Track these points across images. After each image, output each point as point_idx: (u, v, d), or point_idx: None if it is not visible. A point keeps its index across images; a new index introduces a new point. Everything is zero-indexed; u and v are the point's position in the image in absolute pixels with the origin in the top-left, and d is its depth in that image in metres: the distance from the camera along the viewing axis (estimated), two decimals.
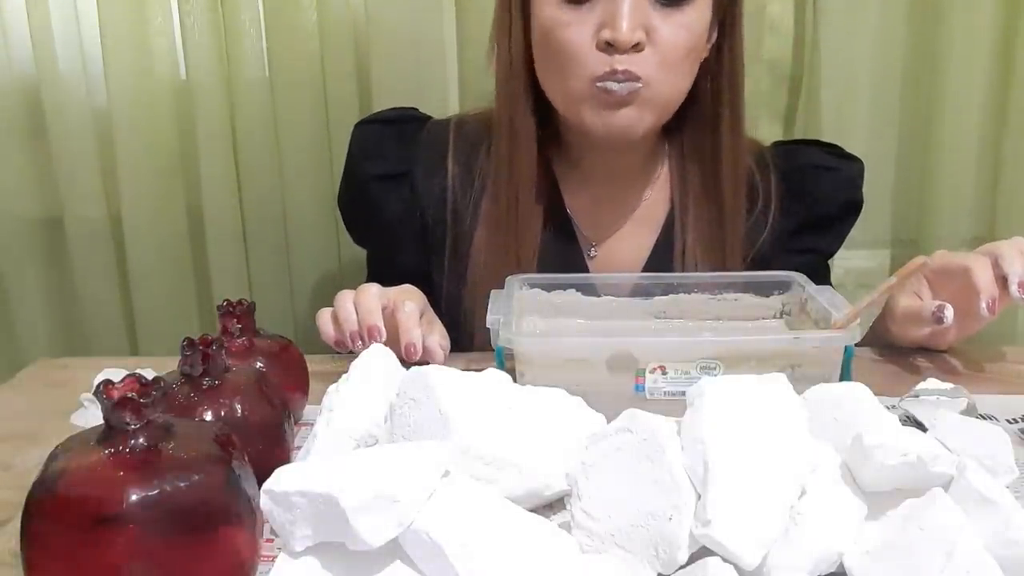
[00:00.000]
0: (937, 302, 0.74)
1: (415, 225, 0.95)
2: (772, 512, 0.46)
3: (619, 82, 0.81)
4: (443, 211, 0.94)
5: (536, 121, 0.89)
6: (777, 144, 1.02)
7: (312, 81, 1.20)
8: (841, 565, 0.46)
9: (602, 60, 0.80)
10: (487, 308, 0.72)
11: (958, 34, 1.15)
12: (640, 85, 0.81)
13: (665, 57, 0.81)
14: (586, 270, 0.94)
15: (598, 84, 0.81)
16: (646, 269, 0.94)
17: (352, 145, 0.99)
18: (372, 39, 1.19)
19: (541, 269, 0.89)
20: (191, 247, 1.27)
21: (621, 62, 0.80)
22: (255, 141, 1.22)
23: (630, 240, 0.95)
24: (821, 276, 0.99)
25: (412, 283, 0.83)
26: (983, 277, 0.72)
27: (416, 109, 1.03)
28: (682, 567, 0.46)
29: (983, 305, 0.71)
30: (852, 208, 0.98)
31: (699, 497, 0.46)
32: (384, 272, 0.98)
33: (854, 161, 0.99)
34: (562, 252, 0.93)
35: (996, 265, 0.73)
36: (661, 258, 0.94)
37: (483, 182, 0.93)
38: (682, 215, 0.93)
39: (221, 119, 1.20)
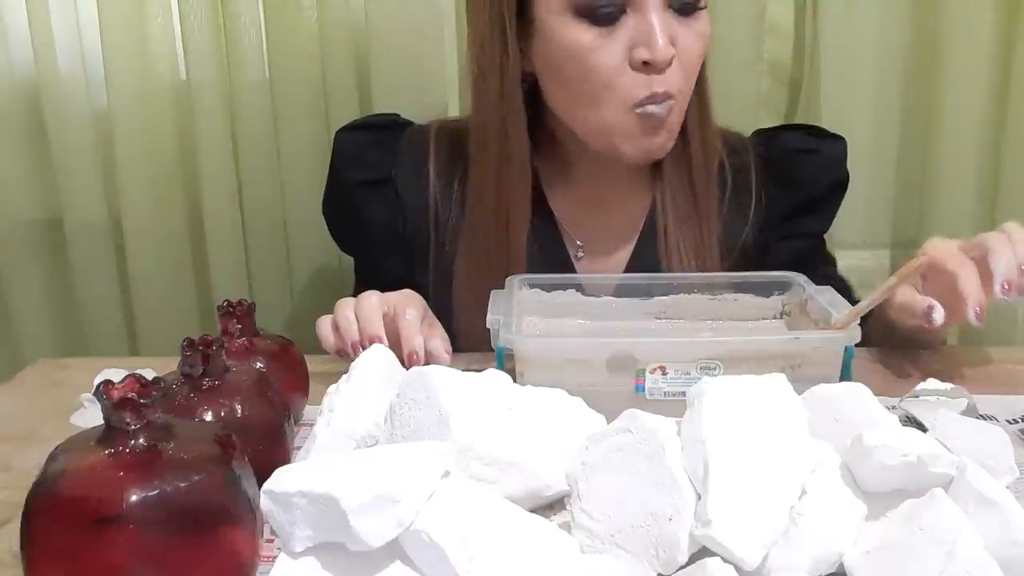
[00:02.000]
0: (928, 301, 0.73)
1: (398, 231, 0.95)
2: (772, 512, 0.46)
3: (658, 103, 0.81)
4: (425, 217, 0.94)
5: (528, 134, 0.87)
6: (757, 132, 1.01)
7: (312, 81, 1.20)
8: (841, 565, 0.46)
9: (640, 81, 0.80)
10: (473, 315, 0.72)
11: (958, 34, 1.15)
12: (674, 102, 0.81)
13: (687, 68, 0.82)
14: (574, 272, 0.94)
15: (638, 111, 0.81)
16: (631, 265, 0.94)
17: (334, 153, 0.99)
18: (372, 39, 1.19)
19: (529, 272, 0.88)
20: (191, 247, 1.27)
21: (660, 83, 0.80)
22: (255, 141, 1.22)
23: (617, 240, 0.95)
24: (819, 256, 0.99)
25: (395, 290, 0.81)
26: (969, 284, 0.70)
27: (398, 115, 1.02)
28: (682, 567, 0.46)
29: (971, 314, 0.69)
30: (838, 186, 0.98)
31: (699, 497, 0.46)
32: (371, 279, 0.98)
33: (836, 140, 0.98)
34: (549, 256, 0.93)
35: (984, 261, 0.71)
36: (645, 252, 0.93)
37: (463, 193, 0.92)
38: (662, 207, 0.92)
39: (221, 119, 1.20)
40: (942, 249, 0.75)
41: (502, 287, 0.77)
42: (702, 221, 0.91)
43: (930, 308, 0.72)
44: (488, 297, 0.74)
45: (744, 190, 0.94)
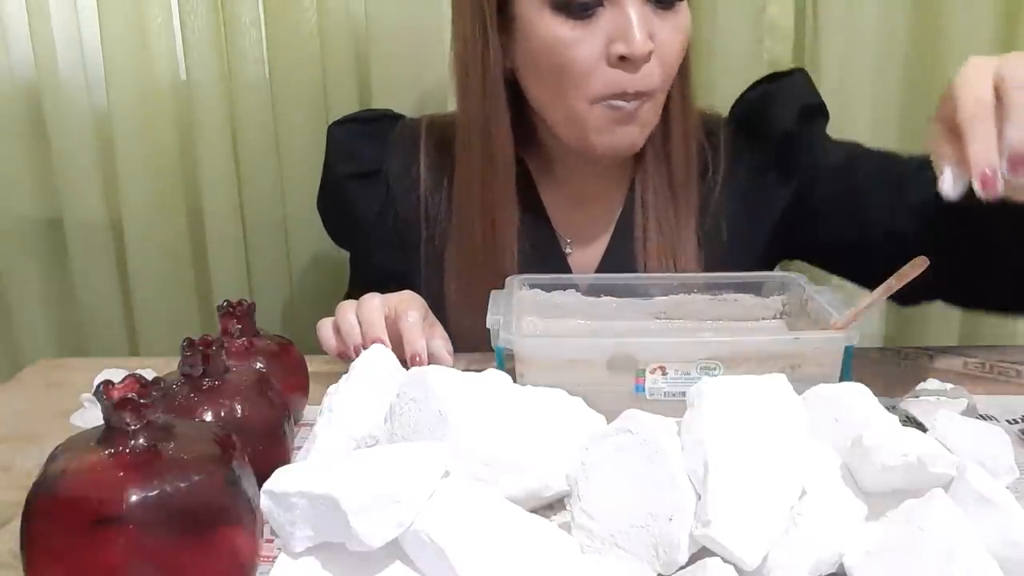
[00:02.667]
0: (941, 166, 0.57)
1: (389, 224, 0.95)
2: (772, 513, 0.46)
3: (628, 101, 0.80)
4: (416, 212, 0.94)
5: (513, 132, 0.87)
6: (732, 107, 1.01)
7: (312, 81, 1.20)
8: (841, 566, 0.46)
9: (615, 77, 0.80)
10: (463, 314, 0.71)
11: (958, 34, 1.15)
12: (646, 100, 0.81)
13: (666, 63, 0.81)
14: (567, 268, 0.94)
15: (605, 104, 0.81)
16: (605, 259, 0.94)
17: (327, 146, 0.99)
18: (372, 39, 1.19)
19: (521, 270, 0.88)
20: (191, 247, 1.27)
21: (632, 81, 0.79)
22: (255, 141, 1.22)
23: (600, 236, 0.95)
24: (830, 176, 0.89)
25: (390, 284, 0.81)
26: (977, 146, 0.54)
27: (391, 110, 1.03)
28: (682, 567, 0.46)
29: (975, 185, 0.54)
30: (809, 112, 0.92)
31: (699, 498, 0.46)
32: (365, 273, 0.98)
33: (794, 73, 0.96)
34: (542, 252, 0.93)
35: (1001, 120, 0.54)
36: (620, 247, 0.93)
37: (452, 190, 0.92)
38: (642, 202, 0.92)
39: (221, 119, 1.20)
40: (962, 85, 0.57)
41: (491, 286, 0.77)
42: (679, 215, 0.91)
43: (940, 177, 0.57)
44: (478, 296, 0.74)
45: (717, 168, 0.93)
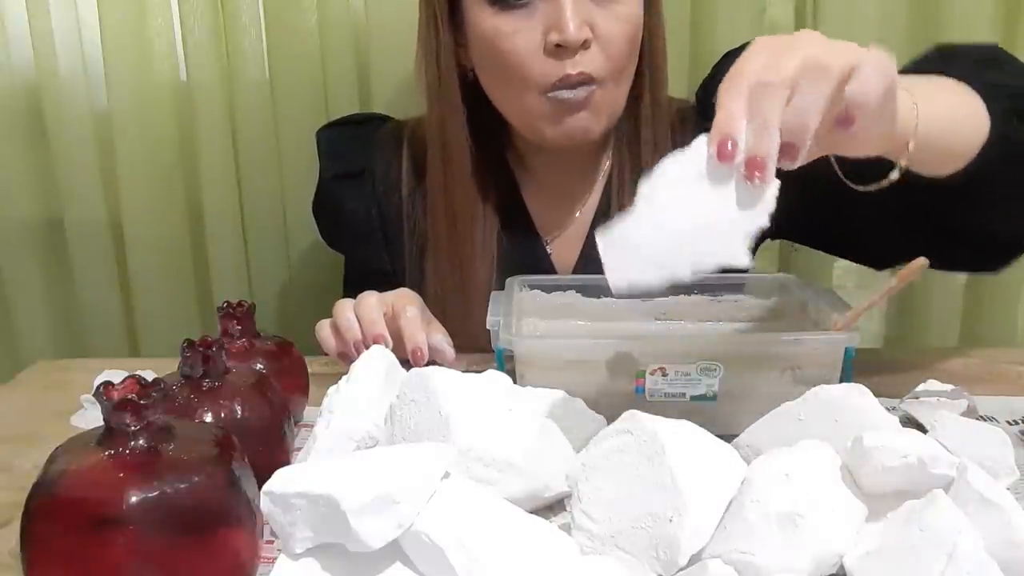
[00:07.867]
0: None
1: (375, 225, 0.96)
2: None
3: (573, 87, 0.80)
4: (399, 213, 0.95)
5: (472, 134, 0.88)
6: None
7: (312, 81, 1.20)
8: (841, 566, 0.46)
9: (553, 66, 0.80)
10: (439, 315, 0.72)
11: (958, 34, 1.15)
12: (594, 87, 0.81)
13: (611, 52, 0.81)
14: (550, 266, 0.94)
15: (550, 95, 0.81)
16: (582, 257, 0.94)
17: (317, 151, 1.00)
18: (372, 39, 1.19)
19: (501, 268, 0.88)
20: (191, 248, 1.27)
21: (574, 65, 0.79)
22: (255, 141, 1.22)
23: (581, 233, 0.95)
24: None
25: (383, 285, 0.81)
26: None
27: (380, 113, 1.04)
28: (682, 568, 0.46)
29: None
30: None
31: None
32: (357, 274, 0.98)
33: (745, 46, 0.94)
34: (523, 250, 0.93)
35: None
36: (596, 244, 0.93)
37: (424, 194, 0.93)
38: (617, 195, 0.92)
39: (221, 119, 1.20)
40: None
41: (469, 286, 0.77)
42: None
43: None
44: (452, 300, 0.74)
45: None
